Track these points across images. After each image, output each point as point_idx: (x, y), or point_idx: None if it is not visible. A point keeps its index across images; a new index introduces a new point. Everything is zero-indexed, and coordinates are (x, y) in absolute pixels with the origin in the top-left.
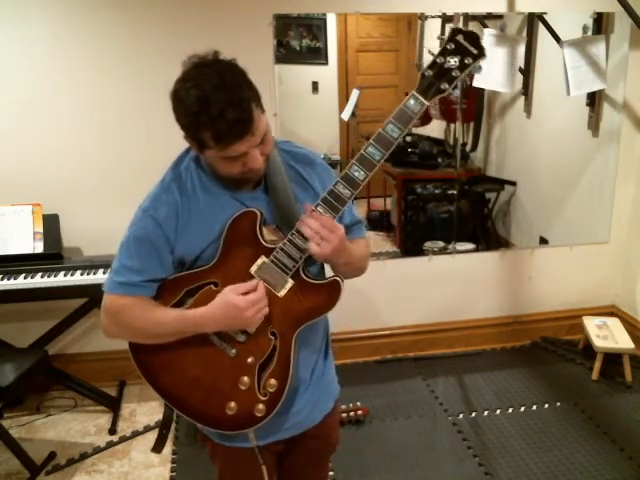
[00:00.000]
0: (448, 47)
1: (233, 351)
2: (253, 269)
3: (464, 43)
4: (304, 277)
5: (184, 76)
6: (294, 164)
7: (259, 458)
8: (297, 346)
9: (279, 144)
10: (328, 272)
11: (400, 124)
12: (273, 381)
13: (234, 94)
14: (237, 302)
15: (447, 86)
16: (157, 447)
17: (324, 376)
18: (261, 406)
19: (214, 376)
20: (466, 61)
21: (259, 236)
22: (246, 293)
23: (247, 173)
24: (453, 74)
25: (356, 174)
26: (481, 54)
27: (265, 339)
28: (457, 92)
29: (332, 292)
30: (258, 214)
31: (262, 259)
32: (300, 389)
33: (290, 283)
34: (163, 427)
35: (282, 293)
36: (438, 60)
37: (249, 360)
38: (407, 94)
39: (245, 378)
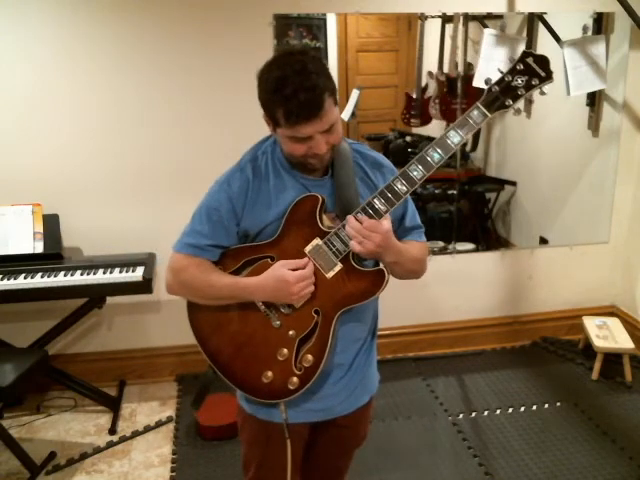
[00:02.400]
0: (517, 67)
1: (277, 322)
2: (307, 249)
3: (533, 65)
4: (352, 262)
5: (273, 59)
6: (363, 163)
7: (286, 431)
8: (337, 327)
9: (352, 144)
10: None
11: (462, 132)
12: (310, 357)
13: (310, 80)
14: (285, 276)
15: (511, 102)
16: (196, 404)
17: (364, 369)
18: (295, 379)
19: (257, 343)
20: (533, 82)
21: (318, 219)
22: (296, 269)
23: (311, 158)
24: (519, 92)
25: (414, 173)
26: (548, 77)
27: (308, 315)
28: (520, 109)
29: (375, 280)
30: (320, 199)
31: (317, 241)
32: (336, 374)
33: (339, 266)
34: (203, 387)
35: (330, 275)
36: (506, 78)
37: (290, 333)
38: (407, 94)
39: (285, 350)
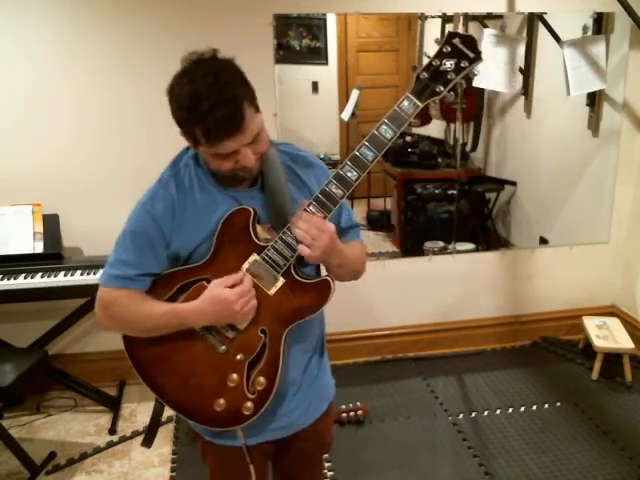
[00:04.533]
0: (444, 50)
1: (223, 347)
2: (245, 266)
3: (460, 46)
4: (295, 276)
5: (181, 72)
6: (293, 165)
7: (247, 457)
8: (287, 345)
9: (279, 146)
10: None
11: (394, 125)
12: (262, 379)
13: (225, 92)
14: (225, 295)
15: (442, 88)
16: (146, 442)
17: (318, 379)
18: (249, 404)
19: (204, 372)
20: (462, 64)
21: (252, 234)
22: (233, 286)
23: (239, 171)
24: (448, 77)
25: (349, 174)
26: (477, 58)
27: (255, 336)
28: (452, 95)
29: (322, 292)
30: (252, 212)
31: (254, 257)
32: (290, 390)
33: (281, 281)
34: (153, 422)
35: (273, 291)
36: (434, 62)
37: (238, 357)
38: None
39: (234, 375)
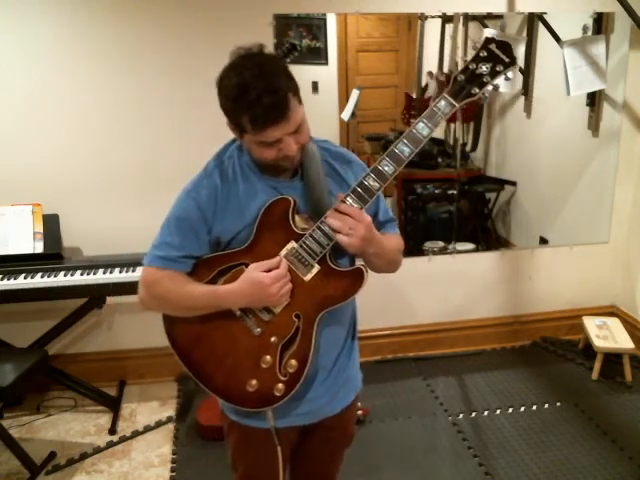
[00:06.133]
0: (481, 54)
1: (258, 330)
2: (282, 253)
3: (496, 51)
4: (330, 264)
5: (229, 65)
6: (332, 162)
7: (275, 438)
8: (319, 330)
9: (318, 142)
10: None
11: (430, 123)
12: (294, 362)
13: (271, 83)
14: (261, 278)
15: (477, 90)
16: (179, 418)
17: (347, 369)
18: (280, 386)
19: (239, 353)
20: (497, 68)
21: (291, 222)
22: (270, 270)
23: (281, 160)
24: (484, 80)
25: (386, 168)
26: (512, 62)
27: (289, 320)
28: (487, 97)
29: (355, 280)
30: (291, 201)
31: (292, 244)
32: (320, 376)
33: (316, 268)
34: (185, 401)
35: (308, 277)
36: (470, 66)
37: (272, 339)
38: (407, 94)
39: (267, 357)
